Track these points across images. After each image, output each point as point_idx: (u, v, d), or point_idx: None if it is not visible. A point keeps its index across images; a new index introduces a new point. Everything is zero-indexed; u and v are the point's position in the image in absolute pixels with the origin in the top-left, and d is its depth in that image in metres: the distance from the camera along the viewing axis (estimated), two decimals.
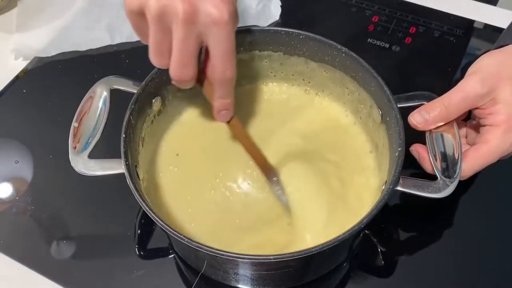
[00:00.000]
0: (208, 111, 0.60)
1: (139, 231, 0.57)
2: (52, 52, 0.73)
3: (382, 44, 0.73)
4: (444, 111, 0.49)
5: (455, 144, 0.48)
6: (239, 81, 0.62)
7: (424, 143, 0.50)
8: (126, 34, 0.74)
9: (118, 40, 0.74)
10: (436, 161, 0.47)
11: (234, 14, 0.44)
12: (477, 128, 0.52)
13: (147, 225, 0.57)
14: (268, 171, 0.53)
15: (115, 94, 0.53)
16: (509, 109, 0.48)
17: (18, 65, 0.72)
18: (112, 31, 0.74)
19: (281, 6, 0.77)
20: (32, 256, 0.55)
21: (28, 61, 0.73)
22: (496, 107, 0.49)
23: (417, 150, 0.51)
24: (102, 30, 0.74)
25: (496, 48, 0.53)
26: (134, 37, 0.74)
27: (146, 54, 0.72)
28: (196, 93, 0.60)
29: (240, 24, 0.65)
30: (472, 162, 0.49)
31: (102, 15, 0.76)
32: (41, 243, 0.56)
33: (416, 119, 0.49)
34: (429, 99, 0.51)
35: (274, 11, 0.76)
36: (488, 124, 0.49)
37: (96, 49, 0.73)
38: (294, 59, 0.58)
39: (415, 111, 0.50)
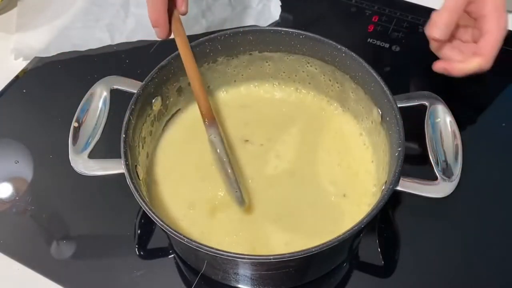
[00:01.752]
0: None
1: (139, 231, 0.57)
2: (52, 52, 0.73)
3: (382, 44, 0.73)
4: (453, 15, 0.57)
5: (455, 144, 0.48)
6: (238, 81, 0.62)
7: (424, 135, 0.50)
8: (126, 34, 0.74)
9: (118, 40, 0.74)
10: (436, 161, 0.47)
11: None
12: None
13: (147, 225, 0.57)
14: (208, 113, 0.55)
15: (115, 94, 0.53)
16: None
17: (18, 65, 0.72)
18: (112, 31, 0.74)
19: (281, 6, 0.77)
20: (32, 256, 0.55)
21: (28, 61, 0.73)
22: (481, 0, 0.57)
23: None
24: (102, 30, 0.74)
25: None
26: (134, 37, 0.74)
27: (146, 54, 0.73)
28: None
29: (240, 24, 0.66)
30: (489, 52, 0.57)
31: (102, 15, 0.76)
32: (41, 243, 0.56)
33: (439, 33, 0.58)
34: (429, 99, 0.51)
35: (274, 11, 0.76)
36: (480, 16, 0.58)
37: (96, 49, 0.73)
38: (294, 59, 0.58)
39: (433, 27, 0.58)
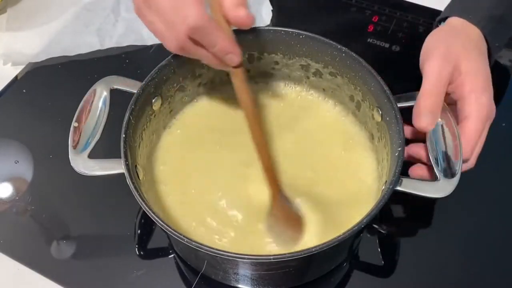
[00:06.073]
0: (208, 111, 0.60)
1: (139, 231, 0.57)
2: (42, 57, 0.72)
3: (382, 44, 0.73)
4: (436, 99, 0.50)
5: (455, 143, 0.48)
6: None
7: (424, 141, 0.50)
8: (115, 39, 0.73)
9: (107, 45, 0.73)
10: (436, 161, 0.47)
11: None
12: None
13: (147, 225, 0.57)
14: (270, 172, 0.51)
15: (115, 94, 0.53)
16: (471, 77, 0.50)
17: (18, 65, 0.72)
18: (102, 36, 0.73)
19: (281, 6, 0.77)
20: (32, 256, 0.55)
21: (23, 66, 0.72)
22: (460, 79, 0.51)
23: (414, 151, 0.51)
24: (91, 35, 0.74)
25: (440, 19, 0.57)
26: (124, 42, 0.73)
27: (146, 54, 0.73)
28: (197, 93, 0.60)
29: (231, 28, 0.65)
30: (468, 145, 0.49)
31: (92, 20, 0.75)
32: (41, 243, 0.56)
33: (426, 121, 0.49)
34: None
35: (265, 16, 0.75)
36: (459, 98, 0.51)
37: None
38: (293, 59, 0.58)
39: (419, 116, 0.49)
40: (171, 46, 0.47)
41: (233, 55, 0.48)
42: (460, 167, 0.46)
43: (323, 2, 0.79)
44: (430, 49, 0.53)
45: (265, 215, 0.51)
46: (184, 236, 0.42)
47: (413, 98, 0.52)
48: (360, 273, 0.54)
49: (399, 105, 0.50)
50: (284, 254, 0.41)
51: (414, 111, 0.50)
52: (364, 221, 0.43)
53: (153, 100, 0.54)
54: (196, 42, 0.46)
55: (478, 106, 0.50)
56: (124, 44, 0.73)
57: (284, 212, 0.51)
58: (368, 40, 0.73)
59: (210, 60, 0.49)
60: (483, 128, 0.51)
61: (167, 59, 0.54)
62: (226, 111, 0.60)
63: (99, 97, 0.52)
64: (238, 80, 0.50)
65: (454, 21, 0.56)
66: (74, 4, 0.77)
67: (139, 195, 0.45)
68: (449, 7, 0.59)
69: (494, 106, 0.52)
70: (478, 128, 0.50)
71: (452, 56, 0.51)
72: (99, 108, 0.51)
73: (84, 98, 0.52)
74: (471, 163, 0.51)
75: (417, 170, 0.51)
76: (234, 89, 0.50)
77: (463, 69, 0.51)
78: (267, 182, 0.51)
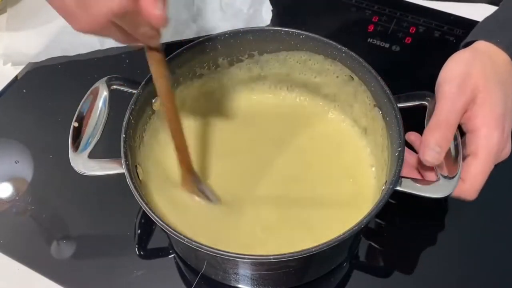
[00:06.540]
0: (207, 111, 0.60)
1: (139, 231, 0.57)
2: (42, 57, 0.72)
3: (382, 44, 0.73)
4: (446, 132, 0.47)
5: (455, 144, 0.48)
6: (237, 82, 0.62)
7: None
8: None
9: (107, 45, 0.73)
10: None
11: None
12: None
13: (147, 225, 0.57)
14: (190, 174, 0.52)
15: (115, 94, 0.53)
16: (485, 110, 0.47)
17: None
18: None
19: (281, 6, 0.76)
20: (32, 256, 0.55)
21: (23, 66, 0.72)
22: (474, 110, 0.47)
23: (411, 138, 0.50)
24: (91, 35, 0.73)
25: (466, 43, 0.52)
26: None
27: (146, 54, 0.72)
28: (197, 93, 0.60)
29: (231, 28, 0.66)
30: (472, 187, 0.47)
31: None
32: (41, 243, 0.56)
33: (433, 156, 0.46)
34: (429, 99, 0.51)
35: (265, 16, 0.75)
36: (469, 131, 0.48)
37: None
38: (293, 59, 0.58)
39: (424, 149, 0.47)
40: (84, 27, 0.41)
41: (156, 39, 0.43)
42: (460, 168, 0.46)
43: (323, 2, 0.79)
44: (448, 74, 0.49)
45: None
46: (184, 236, 0.42)
47: (413, 98, 0.52)
48: (360, 273, 0.54)
49: (399, 105, 0.50)
50: (284, 254, 0.41)
51: (422, 141, 0.47)
52: (364, 221, 0.43)
53: (153, 100, 0.54)
54: (115, 24, 0.41)
55: (488, 143, 0.46)
56: (124, 44, 0.73)
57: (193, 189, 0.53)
58: (368, 40, 0.73)
59: (121, 39, 0.43)
60: (491, 168, 0.47)
61: (167, 59, 0.54)
62: (226, 111, 0.60)
63: (99, 97, 0.52)
64: (155, 62, 0.46)
65: (480, 45, 0.51)
66: None
67: (139, 195, 0.45)
68: (475, 30, 0.54)
69: (507, 145, 0.49)
70: (485, 170, 0.47)
71: (470, 85, 0.47)
72: (99, 108, 0.51)
73: (84, 98, 0.52)
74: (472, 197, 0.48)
75: (410, 173, 0.50)
76: (151, 71, 0.47)
77: (478, 100, 0.47)
78: (179, 162, 0.51)
